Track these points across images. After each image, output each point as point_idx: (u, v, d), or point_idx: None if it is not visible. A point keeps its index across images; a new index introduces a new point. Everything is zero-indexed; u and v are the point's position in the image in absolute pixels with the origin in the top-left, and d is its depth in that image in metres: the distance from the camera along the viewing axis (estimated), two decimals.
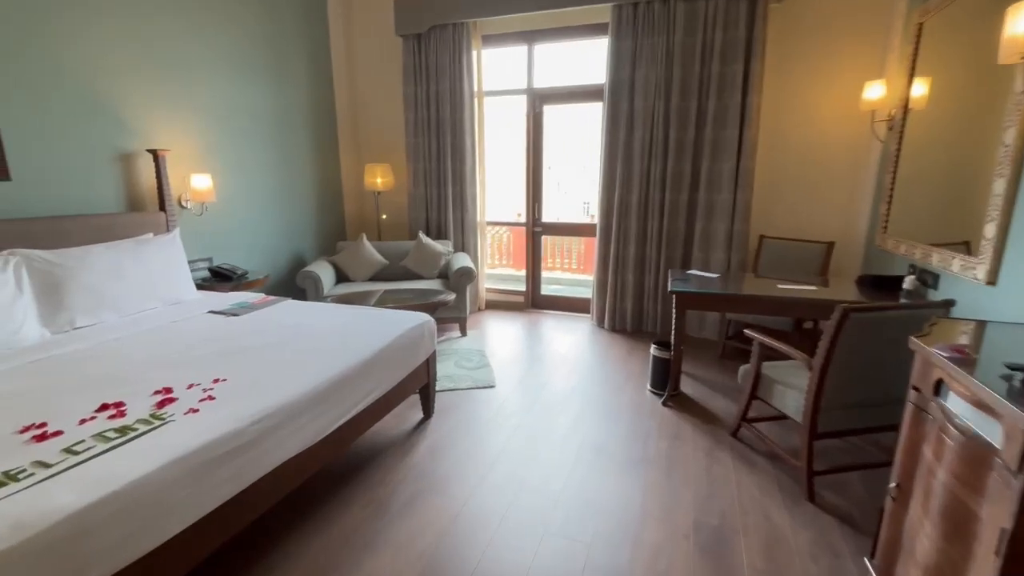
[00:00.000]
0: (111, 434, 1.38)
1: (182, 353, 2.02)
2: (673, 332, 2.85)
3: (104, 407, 1.54)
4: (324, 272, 3.87)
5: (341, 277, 4.16)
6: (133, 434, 1.38)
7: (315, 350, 2.08)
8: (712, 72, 3.55)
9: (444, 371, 3.28)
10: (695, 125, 3.68)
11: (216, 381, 1.74)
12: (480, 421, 2.70)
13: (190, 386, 1.70)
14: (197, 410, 1.53)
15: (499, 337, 4.08)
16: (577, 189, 9.85)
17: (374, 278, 4.20)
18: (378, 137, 4.85)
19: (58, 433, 1.39)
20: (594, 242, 4.22)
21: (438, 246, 4.25)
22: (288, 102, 4.09)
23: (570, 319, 4.55)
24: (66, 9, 2.63)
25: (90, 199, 2.81)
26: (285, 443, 1.63)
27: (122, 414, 1.50)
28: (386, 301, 3.37)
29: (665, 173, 3.82)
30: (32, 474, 1.19)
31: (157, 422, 1.45)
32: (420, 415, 2.72)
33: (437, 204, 4.59)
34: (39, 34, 2.53)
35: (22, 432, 1.39)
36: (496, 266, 6.54)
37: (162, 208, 3.09)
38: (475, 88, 4.32)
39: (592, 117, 4.21)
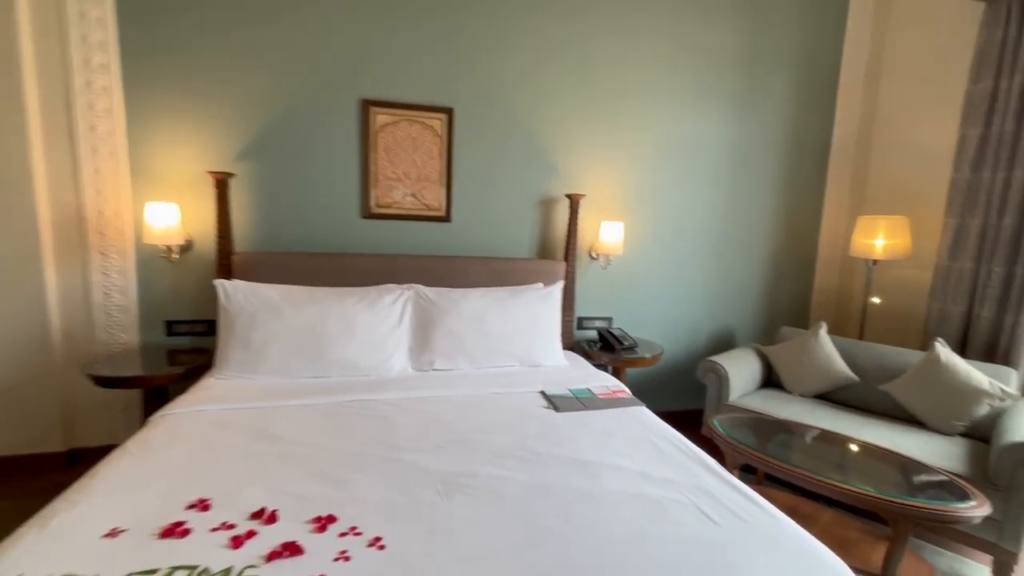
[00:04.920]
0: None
1: (409, 455, 1.50)
2: None
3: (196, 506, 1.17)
4: (741, 367, 2.64)
5: (772, 381, 2.79)
6: None
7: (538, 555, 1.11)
8: None
9: None
10: None
11: (375, 544, 1.08)
12: None
13: (347, 533, 1.11)
14: None
15: None
16: None
17: (823, 397, 2.60)
18: (896, 175, 3.05)
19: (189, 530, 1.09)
20: None
21: (976, 376, 2.16)
22: (753, 133, 3.06)
23: None
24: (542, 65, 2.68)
25: (507, 242, 2.81)
26: None
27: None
28: (831, 457, 1.89)
29: None
30: None
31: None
32: None
33: (998, 294, 2.41)
34: (506, 87, 2.67)
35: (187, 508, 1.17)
36: None
37: (566, 258, 2.80)
38: None
39: None
